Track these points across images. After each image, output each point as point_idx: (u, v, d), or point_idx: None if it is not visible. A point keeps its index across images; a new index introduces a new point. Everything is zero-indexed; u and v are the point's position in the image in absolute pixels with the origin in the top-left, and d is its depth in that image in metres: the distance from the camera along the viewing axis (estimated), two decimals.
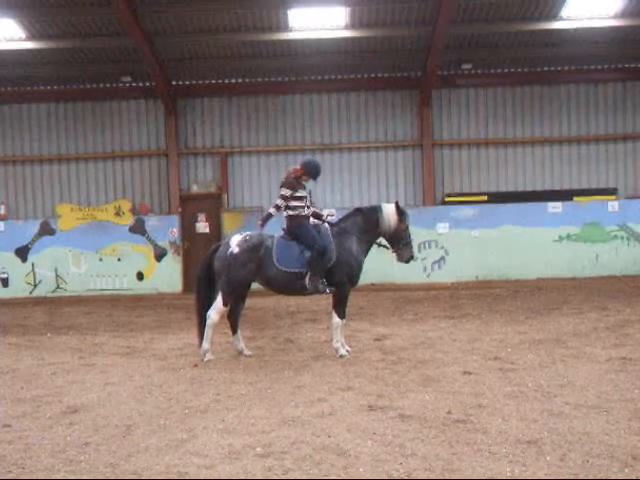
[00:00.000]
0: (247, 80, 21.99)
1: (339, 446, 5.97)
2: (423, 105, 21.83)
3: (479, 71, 21.83)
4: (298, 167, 10.63)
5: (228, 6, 18.21)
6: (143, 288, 21.01)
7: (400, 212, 10.51)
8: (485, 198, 20.92)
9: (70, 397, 8.15)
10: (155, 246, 21.20)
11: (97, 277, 21.05)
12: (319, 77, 21.95)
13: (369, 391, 7.90)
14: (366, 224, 10.52)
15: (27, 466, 5.81)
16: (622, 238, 20.97)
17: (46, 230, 21.25)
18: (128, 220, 21.30)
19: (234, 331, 10.59)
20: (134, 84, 21.77)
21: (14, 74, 21.09)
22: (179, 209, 21.52)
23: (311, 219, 10.49)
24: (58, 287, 21.13)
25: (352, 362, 9.68)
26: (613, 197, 21.30)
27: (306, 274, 10.02)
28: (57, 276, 21.16)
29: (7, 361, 10.66)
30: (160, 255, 21.21)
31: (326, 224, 10.51)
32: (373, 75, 22.00)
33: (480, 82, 22.08)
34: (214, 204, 21.59)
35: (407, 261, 10.68)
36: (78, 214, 21.38)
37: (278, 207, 10.28)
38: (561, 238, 20.86)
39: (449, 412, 6.92)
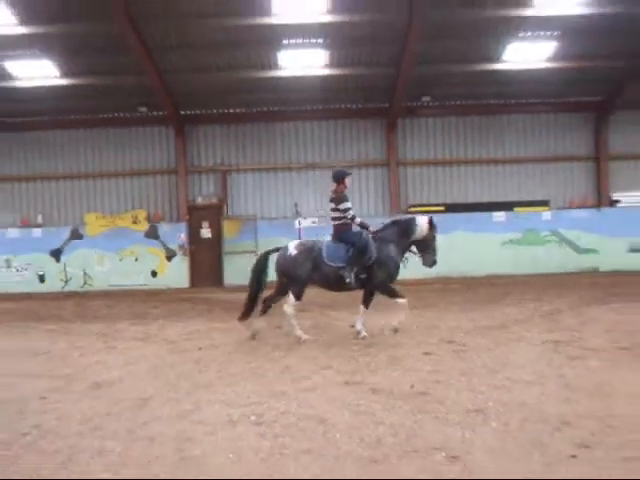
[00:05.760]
0: (243, 110, 21.98)
1: (320, 415, 5.97)
2: (390, 131, 21.89)
3: (436, 103, 21.85)
4: (334, 186, 10.51)
5: (227, 49, 18.37)
6: (156, 284, 20.93)
7: (431, 225, 10.53)
8: (442, 208, 20.94)
9: (96, 374, 8.13)
10: (166, 249, 21.14)
11: (118, 275, 20.96)
12: (303, 108, 21.95)
13: (346, 370, 7.89)
14: (402, 232, 10.52)
15: (60, 432, 5.79)
16: (554, 242, 21.10)
17: (76, 235, 21.19)
18: (144, 227, 21.24)
19: (263, 313, 10.50)
20: (149, 113, 21.67)
21: (50, 105, 21.06)
22: (186, 217, 21.46)
23: (355, 227, 10.40)
24: (85, 283, 21.04)
25: (331, 345, 9.65)
26: (546, 208, 21.42)
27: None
28: (85, 274, 21.08)
29: (44, 344, 10.61)
30: (170, 256, 21.15)
31: (365, 231, 10.40)
32: (348, 106, 22.02)
33: (437, 112, 22.14)
34: (216, 213, 21.53)
35: (431, 265, 10.68)
36: (102, 222, 21.32)
37: (354, 217, 10.31)
38: (505, 242, 20.96)
39: (412, 386, 6.93)
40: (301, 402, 6.46)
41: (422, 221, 10.55)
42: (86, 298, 18.47)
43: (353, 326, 10.41)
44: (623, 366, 7.63)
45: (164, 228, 21.32)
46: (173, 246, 21.19)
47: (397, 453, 4.99)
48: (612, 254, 21.00)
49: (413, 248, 10.67)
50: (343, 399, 6.52)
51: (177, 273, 21.12)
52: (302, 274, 10.06)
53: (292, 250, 10.20)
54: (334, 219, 10.40)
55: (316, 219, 20.98)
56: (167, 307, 15.70)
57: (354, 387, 7.02)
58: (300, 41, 18.16)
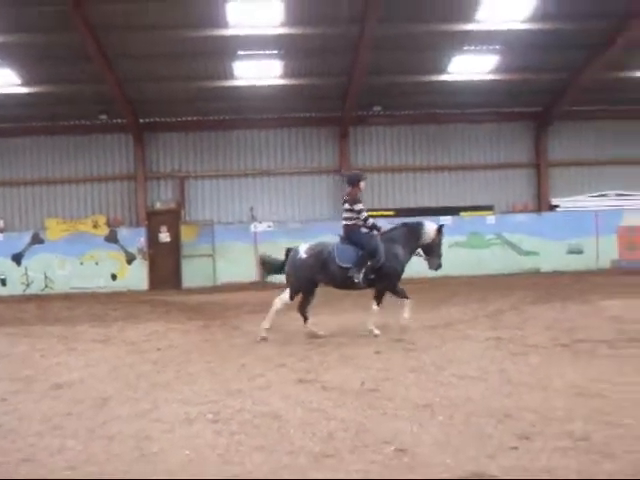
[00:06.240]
0: (201, 118, 21.96)
1: (274, 412, 5.94)
2: (342, 139, 22.05)
3: (387, 112, 22.05)
4: (349, 188, 10.52)
5: (185, 59, 18.36)
6: (116, 287, 20.72)
7: (440, 231, 10.66)
8: (392, 213, 21.01)
9: (56, 376, 7.99)
10: (126, 252, 20.98)
11: (78, 278, 20.69)
12: (259, 116, 21.97)
13: (299, 368, 7.89)
14: (410, 235, 10.59)
15: (21, 432, 5.69)
16: (498, 245, 21.39)
17: (37, 240, 20.91)
18: (104, 231, 21.07)
19: (305, 320, 10.43)
20: (109, 121, 21.49)
21: (12, 113, 20.81)
22: (145, 222, 21.34)
23: (363, 228, 10.41)
24: (46, 286, 20.75)
25: (286, 344, 9.68)
26: (490, 212, 21.74)
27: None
28: (46, 277, 20.79)
29: (4, 347, 10.41)
30: (130, 260, 20.99)
31: (374, 231, 10.41)
32: (302, 115, 22.09)
33: (387, 121, 22.34)
34: (174, 218, 21.44)
35: (436, 269, 10.82)
36: (63, 226, 21.09)
37: (367, 218, 10.33)
38: (451, 245, 21.10)
39: (363, 383, 6.93)
40: (256, 400, 6.43)
41: (430, 226, 10.69)
42: (47, 301, 18.18)
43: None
44: (562, 362, 7.76)
45: (124, 233, 21.16)
46: (132, 250, 21.01)
47: (348, 447, 5.00)
48: (552, 256, 21.39)
49: (420, 251, 10.76)
50: (296, 396, 6.50)
51: (136, 276, 20.94)
52: (307, 278, 10.18)
53: (302, 254, 10.27)
54: (346, 219, 10.41)
55: (271, 223, 20.99)
56: (127, 309, 15.50)
57: (307, 385, 7.01)
58: (255, 52, 18.19)
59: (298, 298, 10.46)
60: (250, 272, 20.55)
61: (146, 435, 5.46)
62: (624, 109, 22.47)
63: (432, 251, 10.67)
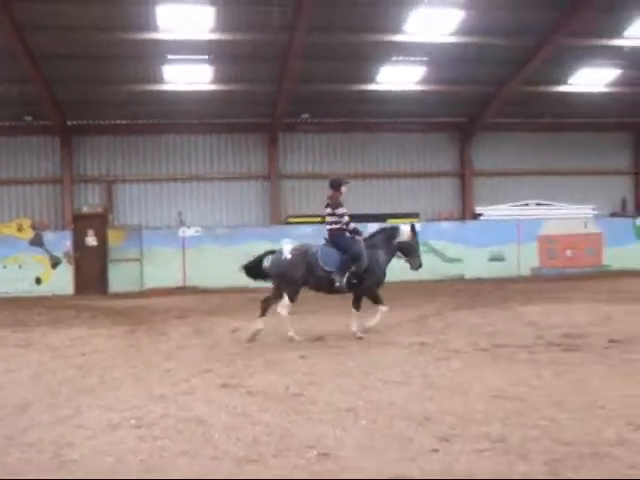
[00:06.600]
0: (130, 122, 21.64)
1: (198, 417, 5.90)
2: (271, 145, 22.08)
3: (315, 120, 22.18)
4: (330, 192, 10.67)
5: (114, 61, 18.15)
6: (41, 291, 20.17)
7: (414, 231, 10.80)
8: (319, 219, 21.02)
9: None
10: (51, 256, 20.49)
11: (1, 282, 20.09)
12: (188, 121, 21.82)
13: (224, 373, 7.85)
14: (389, 239, 10.74)
15: None
16: (423, 252, 21.48)
17: None
18: (28, 234, 20.52)
19: (262, 315, 10.34)
20: (35, 122, 20.97)
21: None
22: (72, 226, 20.91)
23: (347, 233, 10.45)
24: None
25: (211, 349, 9.63)
26: (416, 220, 21.95)
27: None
28: None
29: None
30: (55, 264, 20.51)
31: (357, 237, 10.46)
32: (232, 120, 21.97)
33: (315, 128, 22.48)
34: (101, 222, 21.08)
35: (417, 269, 10.99)
36: None
37: (348, 222, 10.40)
38: None
39: (287, 388, 6.95)
40: (180, 405, 6.37)
41: (405, 228, 10.86)
42: None
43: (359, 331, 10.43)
44: (482, 366, 7.91)
45: (49, 236, 20.66)
46: (58, 254, 20.54)
47: (272, 452, 5.00)
48: (475, 263, 21.80)
49: (399, 253, 10.90)
50: (221, 401, 6.47)
51: (62, 280, 20.45)
52: (298, 277, 10.14)
53: (287, 254, 10.26)
54: (330, 223, 10.51)
55: (199, 228, 20.81)
56: (51, 314, 15.13)
57: (232, 389, 6.98)
58: (185, 57, 18.10)
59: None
60: (177, 277, 20.37)
61: (67, 442, 5.35)
62: (542, 122, 23.19)
63: (411, 252, 10.87)
